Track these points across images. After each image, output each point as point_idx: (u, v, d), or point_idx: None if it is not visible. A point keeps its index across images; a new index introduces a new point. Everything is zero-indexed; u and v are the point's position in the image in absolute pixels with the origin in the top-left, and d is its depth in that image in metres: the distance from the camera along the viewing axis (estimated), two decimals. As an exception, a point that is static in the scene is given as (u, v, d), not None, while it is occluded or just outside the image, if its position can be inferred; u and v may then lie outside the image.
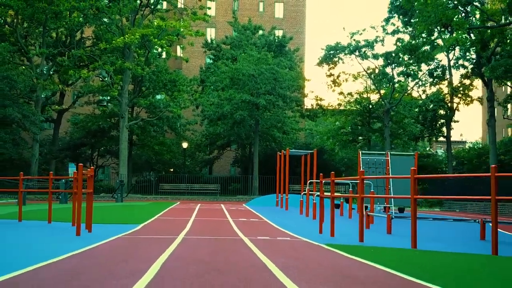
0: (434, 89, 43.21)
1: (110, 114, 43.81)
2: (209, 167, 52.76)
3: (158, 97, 43.37)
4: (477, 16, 33.63)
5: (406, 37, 41.05)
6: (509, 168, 36.66)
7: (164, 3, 45.47)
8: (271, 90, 39.00)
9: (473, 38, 31.96)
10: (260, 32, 47.62)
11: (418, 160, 22.85)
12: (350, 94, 44.57)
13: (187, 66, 52.23)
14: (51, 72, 40.06)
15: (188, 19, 38.86)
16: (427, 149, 59.66)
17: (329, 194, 11.40)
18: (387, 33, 41.63)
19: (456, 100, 42.08)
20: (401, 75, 42.22)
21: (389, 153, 22.28)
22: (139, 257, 7.02)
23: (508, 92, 39.57)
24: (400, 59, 40.35)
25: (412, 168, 9.18)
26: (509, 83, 38.60)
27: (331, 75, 43.79)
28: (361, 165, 20.74)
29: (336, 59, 43.19)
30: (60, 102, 43.50)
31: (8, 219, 14.15)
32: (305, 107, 47.10)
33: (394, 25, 41.61)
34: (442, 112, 42.57)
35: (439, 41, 35.76)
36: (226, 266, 6.41)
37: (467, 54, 37.91)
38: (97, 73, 40.26)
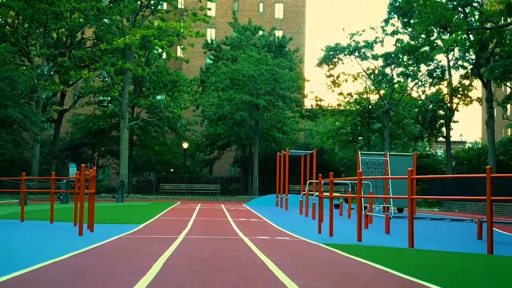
0: (433, 89, 43.41)
1: (110, 115, 43.88)
2: (209, 167, 52.85)
3: (159, 97, 43.47)
4: (476, 17, 33.75)
5: (406, 38, 41.17)
6: (508, 168, 36.77)
7: (165, 4, 45.55)
8: (271, 91, 39.08)
9: (472, 39, 32.05)
10: (260, 32, 47.69)
11: (418, 160, 23.00)
12: (349, 94, 44.65)
13: (188, 66, 52.40)
14: (52, 73, 40.21)
15: (189, 20, 38.98)
16: (427, 149, 59.73)
17: (328, 194, 11.53)
18: (386, 34, 41.69)
19: (455, 100, 42.22)
20: (400, 76, 42.34)
21: (388, 153, 22.42)
22: (140, 256, 7.17)
23: (507, 93, 39.68)
24: (400, 59, 40.44)
25: (410, 168, 9.29)
26: (508, 84, 38.72)
27: (330, 75, 43.91)
28: (360, 166, 20.84)
29: (335, 60, 43.33)
30: (61, 103, 43.58)
31: (10, 219, 14.28)
32: (305, 108, 47.19)
33: (393, 26, 41.71)
34: (441, 112, 42.71)
35: (439, 42, 35.85)
36: (227, 264, 6.57)
37: (467, 54, 37.96)
38: (97, 73, 40.33)
